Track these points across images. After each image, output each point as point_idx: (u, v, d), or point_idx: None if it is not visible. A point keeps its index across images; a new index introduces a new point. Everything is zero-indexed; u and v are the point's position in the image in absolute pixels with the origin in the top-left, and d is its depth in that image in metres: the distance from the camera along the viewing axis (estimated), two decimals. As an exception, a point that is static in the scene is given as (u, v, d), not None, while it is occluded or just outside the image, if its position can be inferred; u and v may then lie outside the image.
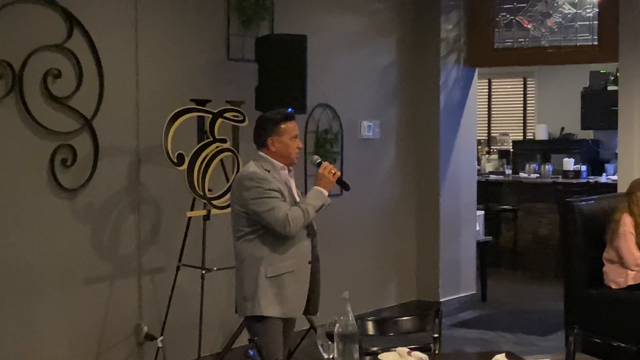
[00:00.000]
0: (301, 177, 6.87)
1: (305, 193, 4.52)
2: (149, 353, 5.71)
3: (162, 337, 5.65)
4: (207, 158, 5.44)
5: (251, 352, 3.48)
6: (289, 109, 5.89)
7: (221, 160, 5.56)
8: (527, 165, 11.25)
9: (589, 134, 11.98)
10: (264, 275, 4.24)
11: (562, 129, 12.30)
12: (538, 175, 10.91)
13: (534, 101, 13.15)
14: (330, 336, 3.34)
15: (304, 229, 4.27)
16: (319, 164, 4.35)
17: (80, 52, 5.32)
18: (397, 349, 3.57)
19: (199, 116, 5.52)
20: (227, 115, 5.58)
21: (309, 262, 4.32)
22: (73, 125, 5.32)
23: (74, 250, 5.36)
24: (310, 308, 4.39)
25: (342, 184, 4.38)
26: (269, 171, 4.25)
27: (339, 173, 4.32)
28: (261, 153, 4.34)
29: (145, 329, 5.73)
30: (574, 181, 10.38)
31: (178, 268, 5.64)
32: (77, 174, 5.35)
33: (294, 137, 4.33)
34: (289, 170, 4.37)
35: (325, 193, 4.27)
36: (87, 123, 5.38)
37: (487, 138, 13.38)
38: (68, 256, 5.32)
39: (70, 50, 5.27)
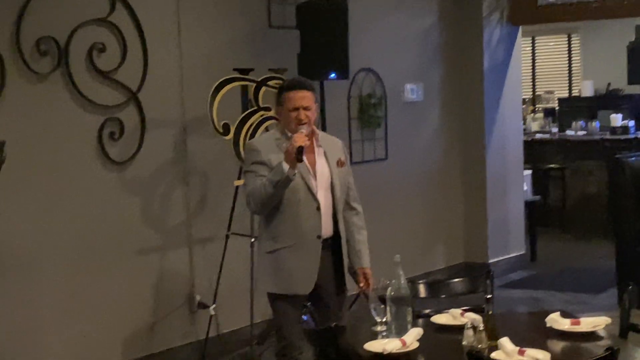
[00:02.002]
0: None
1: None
2: (202, 321, 5.78)
3: (214, 305, 5.71)
4: (253, 126, 5.45)
5: (305, 317, 3.52)
6: (332, 74, 5.94)
7: (266, 128, 5.57)
8: (574, 123, 11.10)
9: (636, 89, 11.77)
10: (264, 251, 4.13)
11: (609, 84, 12.11)
12: (585, 132, 10.77)
13: (579, 57, 12.96)
14: (382, 300, 3.36)
15: (313, 201, 4.04)
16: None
17: (123, 25, 5.35)
18: (450, 310, 3.58)
19: (242, 85, 5.53)
20: (270, 83, 5.57)
21: (318, 237, 4.06)
22: (119, 98, 5.36)
23: (125, 223, 5.42)
24: (337, 286, 4.18)
25: (297, 153, 3.89)
26: (278, 139, 4.08)
27: (297, 144, 3.86)
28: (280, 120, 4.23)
29: (198, 297, 5.81)
30: (622, 137, 10.21)
31: (227, 237, 5.69)
32: (125, 147, 5.41)
33: (293, 108, 4.03)
34: (311, 139, 4.06)
35: (285, 167, 3.87)
36: (133, 96, 5.42)
37: (532, 97, 13.23)
38: (120, 228, 5.39)
39: (114, 23, 5.30)
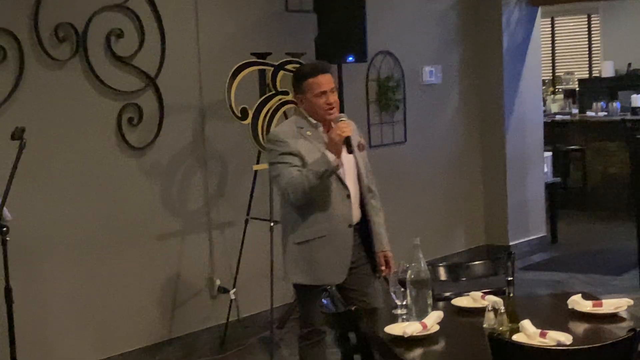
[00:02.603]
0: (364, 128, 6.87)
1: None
2: (223, 305, 5.80)
3: (234, 290, 5.73)
4: (271, 111, 5.44)
5: (324, 301, 3.52)
6: (349, 57, 5.91)
7: (284, 112, 5.56)
8: (594, 104, 11.02)
9: (657, 69, 11.69)
10: (292, 242, 4.02)
11: (629, 64, 11.99)
12: (606, 113, 10.69)
13: (599, 38, 12.85)
14: (402, 283, 3.35)
15: (343, 189, 3.97)
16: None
17: (141, 10, 5.35)
18: (471, 293, 3.57)
19: (260, 69, 5.52)
20: (288, 67, 5.56)
21: (350, 226, 4.00)
22: (138, 84, 5.37)
23: (145, 208, 5.44)
24: (373, 270, 4.13)
25: (346, 144, 3.89)
26: (302, 127, 3.99)
27: (346, 134, 3.85)
28: (299, 108, 4.08)
29: (218, 282, 5.82)
30: (644, 117, 10.14)
31: (247, 221, 5.70)
32: (144, 133, 5.42)
33: (320, 93, 3.93)
34: (328, 127, 4.00)
35: (331, 157, 3.82)
36: (151, 81, 5.43)
37: (551, 78, 13.14)
38: (139, 214, 5.41)
39: (131, 9, 5.30)
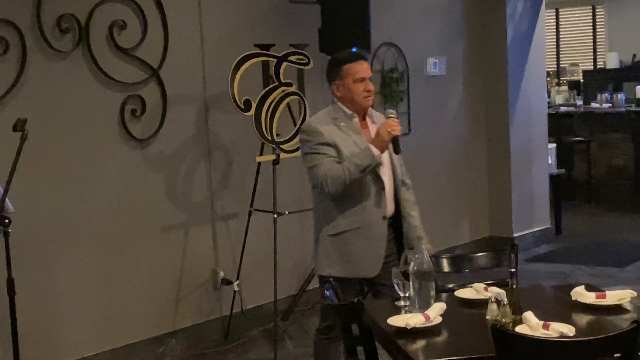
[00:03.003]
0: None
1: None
2: (226, 297, 5.80)
3: (238, 281, 5.73)
4: (274, 102, 5.43)
5: (327, 293, 3.51)
6: (354, 49, 5.90)
7: (288, 104, 5.55)
8: (599, 95, 10.99)
9: (662, 60, 11.66)
10: (326, 234, 4.00)
11: (634, 56, 11.96)
12: (610, 104, 10.66)
13: (603, 29, 12.81)
14: (405, 275, 3.34)
15: (378, 181, 3.96)
16: (388, 119, 3.95)
17: (143, 2, 5.34)
18: (474, 285, 3.56)
19: (263, 61, 5.51)
20: (291, 58, 5.55)
21: (384, 218, 3.99)
22: (140, 75, 5.36)
23: (149, 199, 5.44)
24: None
25: (394, 143, 3.93)
26: (336, 118, 4.00)
27: (396, 132, 3.86)
28: (334, 99, 4.08)
29: (222, 273, 5.82)
30: (648, 109, 10.12)
31: (250, 213, 5.69)
32: (147, 124, 5.41)
33: (360, 80, 3.97)
34: (365, 117, 4.04)
35: (375, 152, 3.84)
36: (155, 73, 5.42)
37: (556, 69, 13.11)
38: (143, 205, 5.41)
39: (134, 0, 5.29)
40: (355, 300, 3.13)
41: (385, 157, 4.01)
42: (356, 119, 4.02)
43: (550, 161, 8.57)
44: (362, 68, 4.01)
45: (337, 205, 3.96)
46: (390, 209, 4.04)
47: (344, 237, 3.97)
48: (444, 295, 3.60)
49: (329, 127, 3.96)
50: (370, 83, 4.02)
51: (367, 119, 4.08)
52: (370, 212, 3.96)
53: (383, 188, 3.99)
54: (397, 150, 3.95)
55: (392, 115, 3.94)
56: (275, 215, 5.47)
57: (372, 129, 4.03)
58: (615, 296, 3.28)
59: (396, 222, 4.08)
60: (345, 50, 4.29)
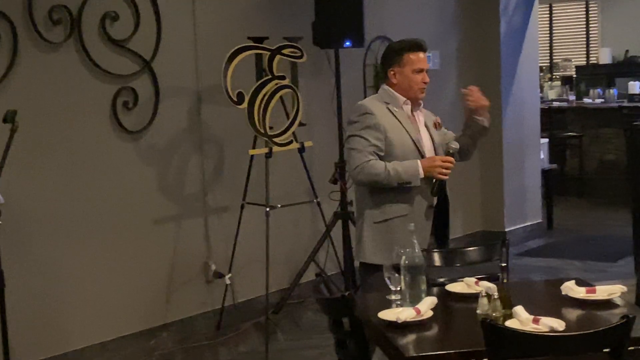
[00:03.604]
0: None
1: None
2: (218, 290, 5.80)
3: (230, 275, 5.72)
4: (267, 95, 5.42)
5: (319, 287, 3.51)
6: (347, 42, 5.89)
7: (281, 97, 5.55)
8: (591, 91, 11.01)
9: (655, 56, 11.67)
10: (371, 221, 4.00)
11: (627, 51, 11.99)
12: (603, 100, 10.69)
13: (597, 25, 12.83)
14: (396, 269, 3.35)
15: (429, 183, 3.96)
16: (447, 154, 4.03)
17: (136, -7, 5.33)
18: (465, 279, 3.56)
19: (257, 54, 5.49)
20: (284, 51, 5.54)
21: (430, 207, 4.00)
22: (133, 67, 5.34)
23: (141, 192, 5.43)
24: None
25: (435, 187, 3.97)
26: (388, 103, 4.02)
27: (444, 177, 3.95)
28: (385, 85, 4.10)
29: (213, 266, 5.82)
30: (640, 104, 10.14)
31: (242, 206, 5.69)
32: (139, 116, 5.40)
33: (419, 70, 4.02)
34: (417, 105, 4.09)
35: (421, 174, 3.89)
36: (147, 65, 5.40)
37: (549, 65, 13.13)
38: (135, 198, 5.40)
39: (127, -8, 5.28)
40: (346, 293, 3.14)
41: (429, 142, 4.09)
42: (409, 107, 4.07)
43: (542, 156, 8.59)
44: (422, 59, 4.07)
45: (386, 192, 3.96)
46: (435, 197, 4.05)
47: (390, 224, 3.97)
48: (435, 289, 3.61)
49: (382, 109, 4.00)
50: (427, 75, 4.06)
51: (416, 110, 4.11)
52: (417, 200, 3.98)
53: (430, 177, 3.98)
54: (433, 193, 3.97)
55: (453, 151, 4.01)
56: (268, 209, 5.46)
57: (419, 118, 4.10)
58: (605, 291, 3.29)
59: (442, 208, 4.09)
60: (408, 38, 4.27)
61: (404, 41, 4.16)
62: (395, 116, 4.01)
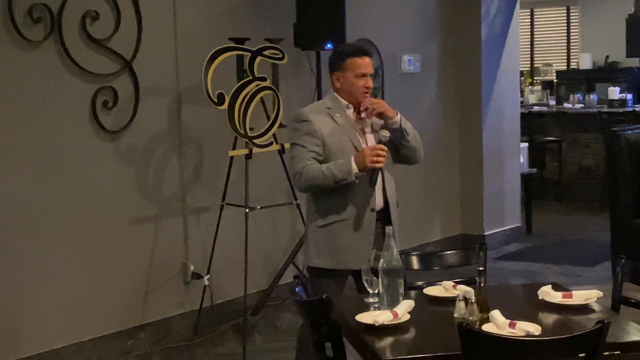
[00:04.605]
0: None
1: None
2: (196, 291, 5.78)
3: (208, 276, 5.71)
4: (248, 97, 5.41)
5: (297, 289, 3.51)
6: (328, 44, 5.89)
7: (261, 98, 5.54)
8: (571, 96, 11.08)
9: (634, 62, 11.73)
10: (315, 225, 4.02)
11: (607, 57, 12.05)
12: (582, 105, 10.75)
13: (577, 30, 12.89)
14: (374, 272, 3.35)
15: (367, 173, 3.90)
16: (379, 142, 3.92)
17: (117, -7, 5.31)
18: (442, 282, 3.57)
19: (237, 55, 5.49)
20: (266, 53, 5.53)
21: (373, 210, 3.98)
22: (113, 67, 5.32)
23: (119, 192, 5.41)
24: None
25: (371, 175, 3.88)
26: (330, 108, 4.00)
27: (379, 165, 3.85)
28: (331, 90, 4.10)
29: (192, 267, 5.80)
30: (620, 110, 10.21)
31: (222, 207, 5.68)
32: (119, 116, 5.37)
33: (361, 75, 3.98)
34: (359, 112, 4.03)
35: (354, 168, 3.82)
36: (127, 64, 5.38)
37: (530, 69, 13.18)
38: (113, 198, 5.37)
39: (107, -9, 5.26)
40: (324, 296, 3.13)
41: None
42: (351, 110, 4.04)
43: (522, 160, 8.62)
44: (365, 63, 4.01)
45: (328, 197, 3.96)
46: (379, 200, 4.04)
47: (331, 229, 3.98)
48: (412, 292, 3.61)
49: (321, 117, 3.98)
50: (371, 80, 4.03)
51: (362, 113, 4.07)
52: (359, 204, 3.96)
53: (373, 182, 3.96)
54: (371, 183, 3.92)
55: (384, 140, 3.92)
56: (247, 210, 5.46)
57: (366, 121, 4.06)
58: (581, 296, 3.30)
59: (386, 216, 4.06)
60: (352, 43, 4.29)
61: (348, 46, 4.17)
62: (335, 121, 3.97)
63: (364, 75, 3.99)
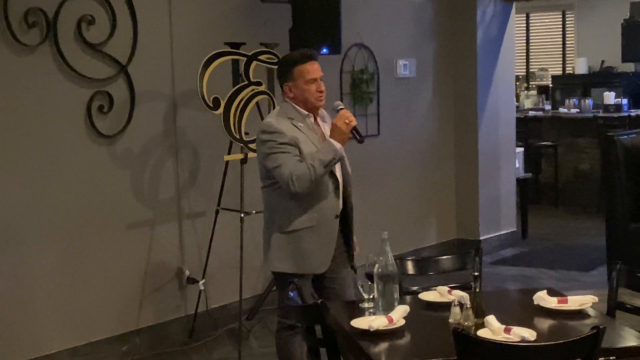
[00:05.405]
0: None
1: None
2: (192, 296, 5.77)
3: (203, 280, 5.70)
4: (243, 101, 5.41)
5: (291, 294, 3.50)
6: (324, 49, 5.90)
7: (257, 103, 5.54)
8: (567, 100, 11.08)
9: (629, 67, 11.75)
10: (279, 230, 4.00)
11: (602, 62, 12.07)
12: (578, 110, 10.76)
13: (573, 35, 12.91)
14: (370, 277, 3.35)
15: (330, 179, 3.96)
16: (339, 111, 3.96)
17: (112, -3, 5.30)
18: (438, 288, 3.57)
19: (233, 59, 5.49)
20: (261, 57, 5.53)
21: (336, 217, 4.01)
22: (108, 71, 5.32)
23: (115, 197, 5.40)
24: (349, 259, 4.14)
25: (355, 133, 3.95)
26: (292, 119, 3.98)
27: (354, 122, 3.91)
28: (286, 99, 4.05)
29: (187, 272, 5.79)
30: (615, 115, 10.22)
31: (217, 212, 5.67)
32: (114, 121, 5.37)
33: (311, 80, 3.96)
34: (315, 117, 4.05)
35: (337, 146, 3.87)
36: (123, 69, 5.38)
37: (525, 74, 13.19)
38: (109, 202, 5.37)
39: (103, -4, 5.26)
40: (319, 301, 3.13)
41: None
42: (311, 119, 4.04)
43: (517, 165, 8.62)
44: (313, 68, 4.00)
45: (294, 203, 3.95)
46: (340, 206, 4.06)
47: (297, 235, 3.98)
48: (408, 297, 3.62)
49: (288, 126, 3.96)
50: (322, 83, 4.03)
51: (318, 119, 4.10)
52: (325, 211, 3.98)
53: (338, 187, 4.01)
54: (359, 140, 3.97)
55: (342, 107, 3.98)
56: (243, 215, 5.45)
57: (324, 128, 4.07)
58: (576, 301, 3.31)
59: (343, 217, 4.08)
60: (296, 51, 4.28)
61: (293, 54, 4.15)
62: (300, 130, 3.97)
63: (314, 80, 3.99)
